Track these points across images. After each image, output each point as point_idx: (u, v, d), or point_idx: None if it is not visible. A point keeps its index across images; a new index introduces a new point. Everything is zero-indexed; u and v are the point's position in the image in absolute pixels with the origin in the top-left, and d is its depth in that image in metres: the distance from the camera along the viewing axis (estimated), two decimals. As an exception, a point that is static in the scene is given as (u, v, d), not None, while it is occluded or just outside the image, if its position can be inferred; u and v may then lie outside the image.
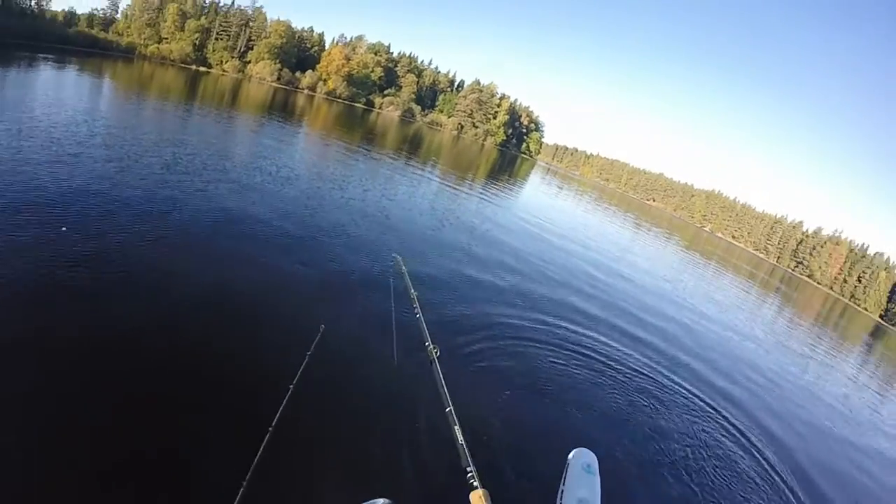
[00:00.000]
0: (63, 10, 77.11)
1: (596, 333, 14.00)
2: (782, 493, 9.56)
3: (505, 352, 10.87)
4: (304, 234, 13.84)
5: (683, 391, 12.48)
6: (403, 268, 5.48)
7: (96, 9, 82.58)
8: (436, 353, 3.65)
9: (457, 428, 2.83)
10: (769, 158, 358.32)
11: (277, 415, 3.67)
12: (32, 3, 68.79)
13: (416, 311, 4.43)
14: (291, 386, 4.00)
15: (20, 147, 13.83)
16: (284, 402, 3.80)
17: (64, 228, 9.54)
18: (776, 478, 10.01)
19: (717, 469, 9.49)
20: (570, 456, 2.68)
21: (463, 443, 2.73)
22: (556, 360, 11.34)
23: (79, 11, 79.88)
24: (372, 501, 2.39)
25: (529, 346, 11.62)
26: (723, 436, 10.92)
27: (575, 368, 11.32)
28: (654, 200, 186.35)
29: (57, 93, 25.26)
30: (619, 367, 12.31)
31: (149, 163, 15.36)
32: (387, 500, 2.39)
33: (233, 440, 5.41)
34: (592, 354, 12.44)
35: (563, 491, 2.46)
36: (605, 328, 14.83)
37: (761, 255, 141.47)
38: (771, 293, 55.66)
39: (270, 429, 3.56)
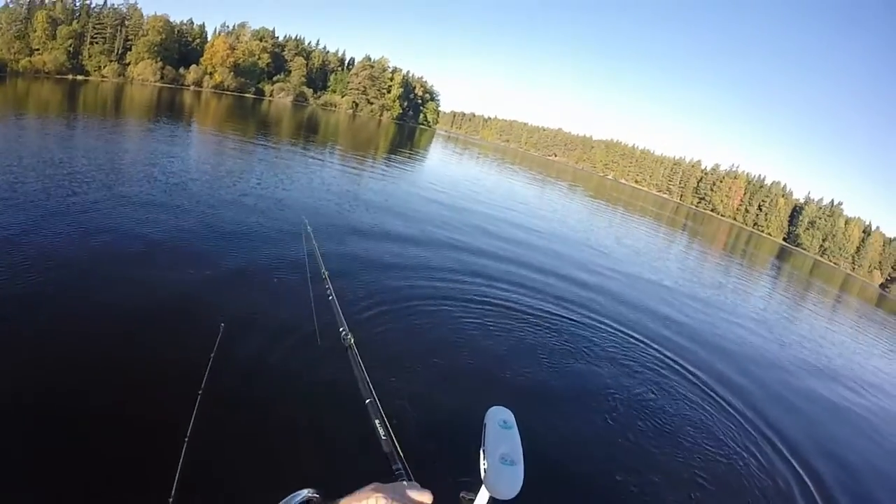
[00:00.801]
0: None
1: (508, 292, 14.33)
2: (712, 414, 10.20)
3: (424, 324, 10.99)
4: (197, 237, 13.34)
5: (598, 334, 12.86)
6: (314, 242, 5.52)
7: None
8: (350, 339, 3.42)
9: (378, 422, 2.62)
10: (661, 103, 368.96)
11: (191, 424, 3.56)
12: None
13: (328, 292, 4.26)
14: (200, 392, 3.88)
15: None
16: (195, 409, 3.67)
17: None
18: (706, 403, 10.64)
19: (640, 402, 9.98)
20: (486, 416, 2.41)
21: (386, 436, 2.52)
22: (475, 323, 11.55)
23: None
24: (296, 493, 2.04)
25: (448, 314, 11.79)
26: (643, 370, 11.45)
27: (493, 330, 11.53)
28: (555, 155, 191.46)
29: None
30: (534, 321, 12.59)
31: (26, 191, 14.57)
32: (310, 490, 2.05)
33: (150, 459, 5.11)
34: (509, 313, 12.71)
35: (484, 451, 2.21)
36: (517, 285, 15.18)
37: (665, 196, 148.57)
38: (679, 230, 58.46)
39: (186, 440, 3.47)
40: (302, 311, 4.94)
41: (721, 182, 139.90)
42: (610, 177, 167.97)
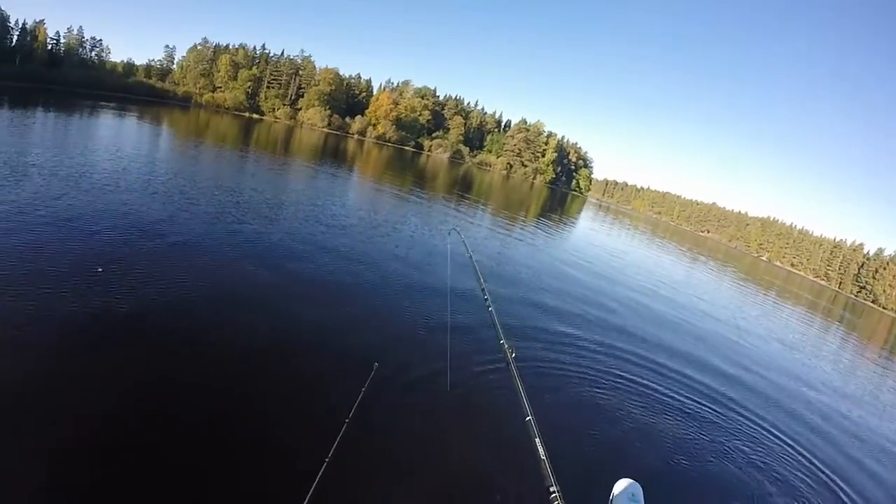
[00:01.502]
0: (122, 60, 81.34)
1: (650, 370, 13.60)
2: None
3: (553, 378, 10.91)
4: (355, 278, 13.74)
5: (736, 429, 11.83)
6: (465, 245, 5.94)
7: (153, 60, 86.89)
8: (511, 353, 3.44)
9: (538, 440, 2.60)
10: (823, 180, 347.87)
11: (333, 448, 3.70)
12: (93, 54, 72.89)
13: (486, 303, 4.33)
14: (347, 420, 4.01)
15: (76, 192, 14.44)
16: (340, 435, 3.82)
17: (100, 269, 9.71)
18: None
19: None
20: (615, 488, 2.55)
21: (545, 457, 2.49)
22: (606, 388, 11.31)
23: (137, 62, 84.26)
24: None
25: (579, 369, 11.73)
26: (780, 477, 10.14)
27: (621, 403, 11.08)
28: (708, 231, 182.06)
29: (117, 139, 25.98)
30: (671, 401, 12.02)
31: (199, 211, 15.47)
32: None
33: (288, 472, 5.46)
34: (647, 385, 12.36)
35: None
36: (659, 364, 14.39)
37: (822, 282, 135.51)
38: (834, 322, 53.10)
39: (327, 460, 3.60)
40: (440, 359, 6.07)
41: (885, 269, 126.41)
42: (764, 258, 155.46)
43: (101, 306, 8.41)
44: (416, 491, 6.41)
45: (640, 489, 2.55)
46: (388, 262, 16.10)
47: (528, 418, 2.76)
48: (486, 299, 4.42)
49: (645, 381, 12.53)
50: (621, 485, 2.58)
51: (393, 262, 16.40)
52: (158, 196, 15.87)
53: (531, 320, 14.44)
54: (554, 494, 2.25)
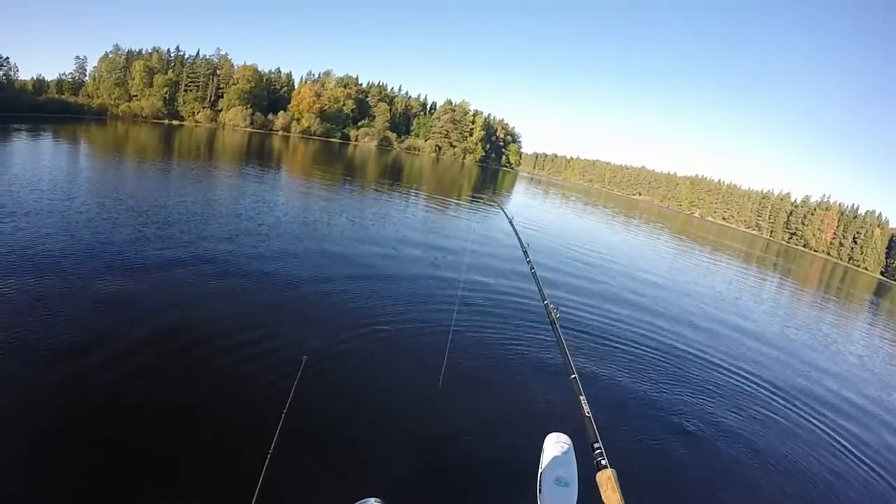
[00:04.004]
0: (32, 77, 78.10)
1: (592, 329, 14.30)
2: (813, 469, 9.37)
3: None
4: (282, 279, 13.60)
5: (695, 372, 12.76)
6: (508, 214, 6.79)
7: (64, 73, 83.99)
8: (556, 313, 3.47)
9: (583, 398, 2.55)
10: (748, 136, 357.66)
11: (274, 440, 3.64)
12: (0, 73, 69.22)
13: (529, 265, 4.68)
14: (284, 412, 3.94)
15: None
16: (280, 426, 3.75)
17: None
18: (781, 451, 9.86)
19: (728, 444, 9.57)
20: (545, 441, 2.76)
21: (590, 416, 2.44)
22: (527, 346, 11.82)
23: (48, 78, 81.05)
24: (363, 500, 2.42)
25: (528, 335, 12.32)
26: (727, 412, 10.96)
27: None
28: (640, 194, 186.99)
29: (33, 163, 24.92)
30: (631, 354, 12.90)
31: (119, 239, 14.71)
32: (378, 500, 2.44)
33: (234, 470, 5.33)
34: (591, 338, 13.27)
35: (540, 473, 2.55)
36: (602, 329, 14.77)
37: (754, 233, 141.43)
38: (769, 269, 54.94)
39: (269, 454, 3.53)
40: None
41: (812, 215, 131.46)
42: (696, 215, 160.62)
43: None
44: (363, 472, 6.69)
45: (570, 440, 2.74)
46: (320, 260, 16.13)
47: (572, 376, 2.77)
48: (529, 261, 4.77)
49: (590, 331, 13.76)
50: (552, 438, 2.75)
51: (325, 258, 16.47)
52: (91, 218, 15.34)
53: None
54: (598, 450, 2.24)
